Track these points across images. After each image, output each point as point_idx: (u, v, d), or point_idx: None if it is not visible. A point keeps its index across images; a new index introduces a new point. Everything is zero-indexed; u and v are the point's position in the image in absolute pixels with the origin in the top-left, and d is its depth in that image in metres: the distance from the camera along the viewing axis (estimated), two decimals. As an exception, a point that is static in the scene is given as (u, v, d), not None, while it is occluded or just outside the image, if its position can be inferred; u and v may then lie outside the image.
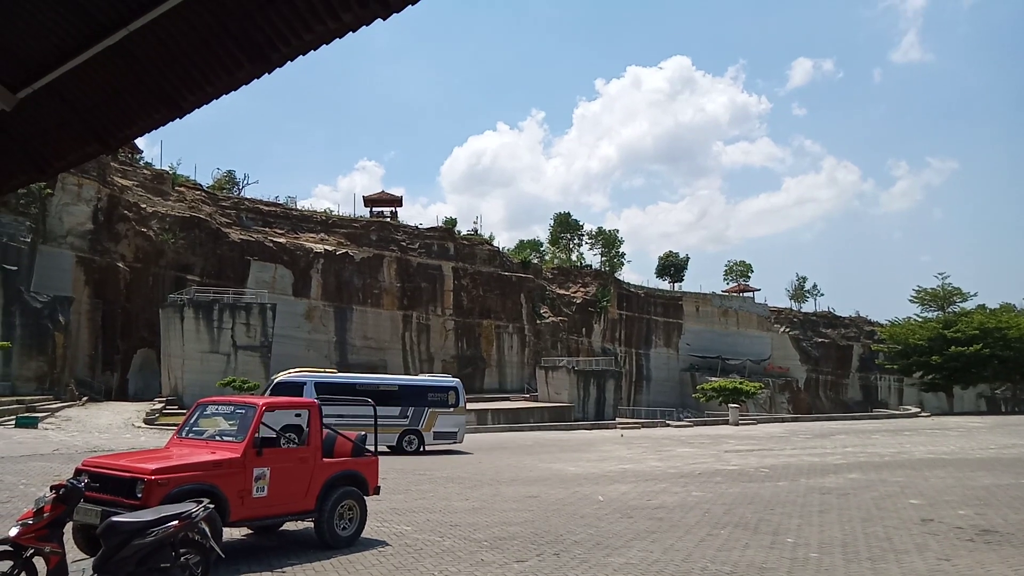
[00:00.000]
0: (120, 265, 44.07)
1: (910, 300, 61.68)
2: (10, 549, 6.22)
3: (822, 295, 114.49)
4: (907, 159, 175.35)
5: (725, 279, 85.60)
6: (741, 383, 46.64)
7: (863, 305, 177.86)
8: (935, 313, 58.63)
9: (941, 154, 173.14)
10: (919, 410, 51.26)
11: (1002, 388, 64.40)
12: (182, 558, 6.77)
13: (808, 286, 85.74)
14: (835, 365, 78.37)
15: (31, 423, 25.48)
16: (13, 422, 25.74)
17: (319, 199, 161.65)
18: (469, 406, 42.64)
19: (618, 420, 43.66)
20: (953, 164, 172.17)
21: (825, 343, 78.50)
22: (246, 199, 55.84)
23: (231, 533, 9.52)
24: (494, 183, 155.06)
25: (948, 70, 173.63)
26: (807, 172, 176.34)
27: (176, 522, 6.66)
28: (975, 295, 62.62)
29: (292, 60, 3.68)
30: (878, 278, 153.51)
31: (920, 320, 57.07)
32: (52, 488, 6.41)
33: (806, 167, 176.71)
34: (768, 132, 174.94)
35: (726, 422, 38.43)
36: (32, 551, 6.23)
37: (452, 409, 24.58)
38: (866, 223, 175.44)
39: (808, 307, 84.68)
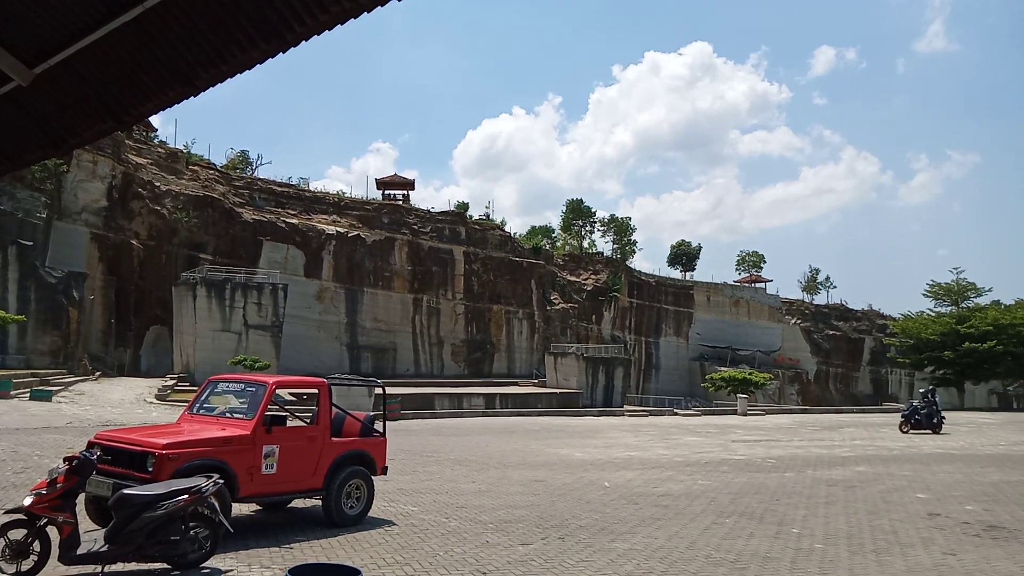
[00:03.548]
0: (134, 242, 44.37)
1: (924, 294, 61.08)
2: (24, 518, 6.36)
3: (835, 287, 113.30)
4: (927, 152, 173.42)
5: (737, 269, 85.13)
6: (750, 373, 46.56)
7: (876, 298, 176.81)
8: (949, 308, 58.12)
9: (963, 147, 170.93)
10: (929, 405, 50.94)
11: (1014, 385, 63.93)
12: (191, 532, 6.88)
13: (821, 278, 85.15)
14: (846, 358, 77.97)
15: (45, 396, 25.80)
16: (28, 395, 26.09)
17: (332, 180, 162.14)
18: (477, 390, 43.14)
19: (626, 407, 43.71)
20: (975, 158, 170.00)
21: (836, 335, 78.08)
22: (259, 179, 55.97)
23: (240, 509, 9.64)
24: (507, 167, 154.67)
25: (973, 61, 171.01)
26: (826, 162, 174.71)
27: (186, 496, 6.77)
28: (990, 290, 62.03)
29: (307, 40, 3.67)
30: (893, 271, 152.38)
31: (933, 315, 56.59)
32: (65, 460, 6.52)
33: (825, 157, 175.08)
34: (787, 121, 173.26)
35: (734, 412, 38.40)
36: (46, 520, 6.36)
37: None
38: (883, 215, 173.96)
39: (820, 299, 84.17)
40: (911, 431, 26.63)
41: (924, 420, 26.73)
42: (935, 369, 53.62)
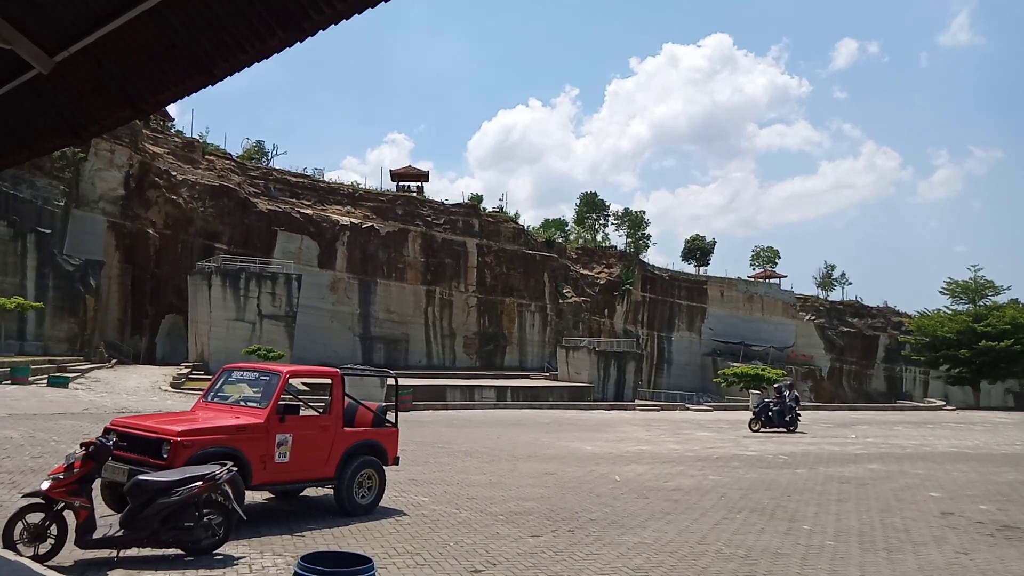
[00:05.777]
0: (150, 231, 44.74)
1: (940, 292, 60.35)
2: (42, 502, 6.46)
3: (850, 284, 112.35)
4: (949, 147, 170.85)
5: (751, 264, 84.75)
6: (763, 369, 46.27)
7: (892, 295, 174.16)
8: (966, 306, 57.46)
9: (985, 143, 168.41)
10: (944, 403, 50.54)
11: (1031, 385, 63.13)
12: (205, 518, 6.96)
13: (836, 274, 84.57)
14: (860, 355, 77.40)
15: (62, 383, 26.10)
16: (45, 381, 26.41)
17: (347, 171, 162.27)
18: (489, 383, 43.25)
19: (637, 402, 43.65)
20: (998, 154, 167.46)
21: (851, 332, 77.50)
22: (274, 170, 56.20)
23: (252, 496, 9.72)
24: (521, 159, 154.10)
25: (999, 55, 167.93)
26: (845, 157, 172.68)
27: (200, 483, 6.85)
28: (1008, 288, 61.13)
29: (325, 29, 3.68)
30: (909, 268, 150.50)
31: (950, 312, 56.00)
32: (82, 445, 6.61)
33: (844, 152, 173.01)
34: (806, 115, 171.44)
35: (746, 408, 38.21)
36: (63, 505, 6.46)
37: None
38: (901, 212, 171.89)
39: (835, 296, 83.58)
40: (762, 430, 24.47)
41: (776, 418, 24.47)
42: (950, 367, 53.11)
